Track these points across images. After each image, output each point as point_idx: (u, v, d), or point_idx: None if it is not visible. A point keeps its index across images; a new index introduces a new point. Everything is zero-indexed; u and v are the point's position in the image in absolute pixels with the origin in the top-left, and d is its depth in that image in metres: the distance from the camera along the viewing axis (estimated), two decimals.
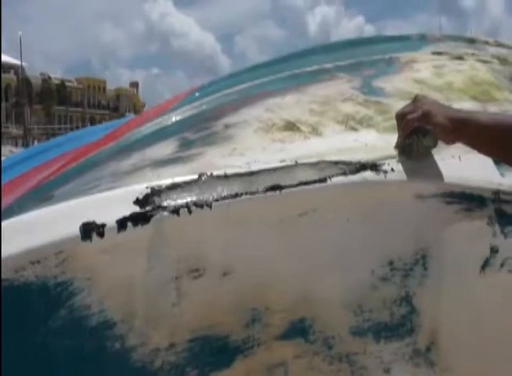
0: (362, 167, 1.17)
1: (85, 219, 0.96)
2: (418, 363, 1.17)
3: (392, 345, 1.15)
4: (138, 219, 0.98)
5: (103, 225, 0.97)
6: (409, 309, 1.17)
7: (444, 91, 1.74)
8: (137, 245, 0.98)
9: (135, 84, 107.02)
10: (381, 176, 1.18)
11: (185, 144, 1.28)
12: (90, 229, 0.96)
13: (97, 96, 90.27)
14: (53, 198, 1.14)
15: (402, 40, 2.27)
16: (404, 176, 1.21)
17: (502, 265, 1.29)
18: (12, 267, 0.92)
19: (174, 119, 1.52)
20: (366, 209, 1.16)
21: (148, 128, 1.50)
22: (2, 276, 0.92)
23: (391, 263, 1.16)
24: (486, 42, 2.29)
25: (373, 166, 1.18)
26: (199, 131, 1.35)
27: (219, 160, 1.15)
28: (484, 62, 2.04)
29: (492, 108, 1.68)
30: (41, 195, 1.23)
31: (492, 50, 2.21)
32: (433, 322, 1.19)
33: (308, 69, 1.83)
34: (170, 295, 1.01)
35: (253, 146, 1.24)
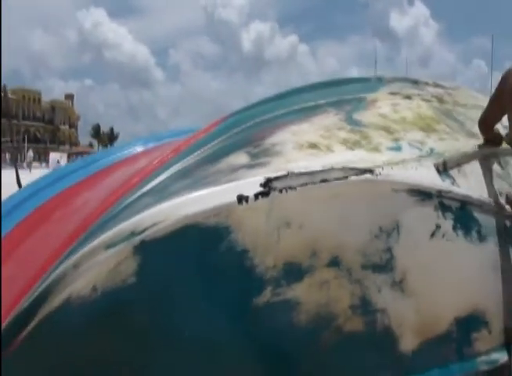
0: (364, 171, 1.92)
1: (237, 194, 1.69)
2: (395, 289, 1.92)
3: (381, 276, 1.90)
4: (264, 194, 1.72)
5: (247, 197, 1.70)
6: (390, 257, 1.92)
7: (400, 123, 2.40)
8: (263, 208, 1.71)
9: (70, 97, 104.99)
10: (374, 177, 1.93)
11: (253, 156, 1.98)
12: (241, 199, 1.69)
13: (32, 108, 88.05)
14: (194, 183, 1.83)
15: (364, 81, 2.94)
16: (387, 178, 1.96)
17: (443, 235, 2.06)
18: (202, 216, 1.64)
19: (231, 139, 2.21)
20: (365, 195, 1.91)
21: (216, 144, 2.17)
22: (200, 221, 1.64)
23: (380, 229, 1.91)
24: (426, 83, 2.95)
25: (370, 171, 1.93)
26: (255, 147, 2.05)
27: (283, 165, 1.87)
28: (427, 101, 2.70)
29: (434, 136, 2.37)
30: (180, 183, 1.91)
31: (432, 90, 2.88)
32: (403, 266, 1.94)
33: (307, 105, 2.48)
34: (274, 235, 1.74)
35: (295, 158, 1.96)
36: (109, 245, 1.61)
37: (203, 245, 1.67)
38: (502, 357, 2.14)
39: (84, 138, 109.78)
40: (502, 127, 2.59)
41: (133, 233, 1.61)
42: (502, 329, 2.16)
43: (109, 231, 1.64)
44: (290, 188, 1.76)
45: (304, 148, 2.04)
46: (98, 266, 1.59)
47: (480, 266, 2.15)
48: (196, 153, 2.12)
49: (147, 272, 1.62)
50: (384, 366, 1.90)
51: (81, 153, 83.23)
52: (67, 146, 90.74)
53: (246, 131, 2.24)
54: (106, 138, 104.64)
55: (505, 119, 2.41)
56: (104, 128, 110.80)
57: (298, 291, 1.75)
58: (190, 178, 1.88)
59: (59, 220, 2.35)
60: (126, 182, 2.07)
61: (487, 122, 2.49)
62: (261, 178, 1.75)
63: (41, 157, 65.29)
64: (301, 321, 1.75)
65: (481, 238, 2.17)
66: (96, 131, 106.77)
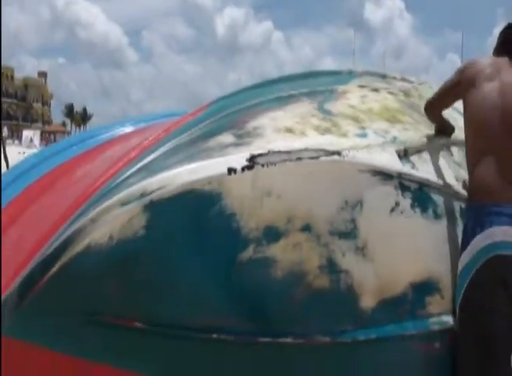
0: (333, 153, 2.21)
1: (227, 167, 1.99)
2: (357, 254, 2.22)
3: (345, 242, 2.19)
4: (249, 167, 2.02)
5: (236, 169, 1.99)
6: (353, 226, 2.22)
7: (367, 114, 2.66)
8: (248, 179, 2.01)
9: (43, 74, 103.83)
10: (341, 158, 2.23)
11: (238, 136, 2.25)
12: (230, 171, 1.99)
13: (4, 85, 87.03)
14: (190, 157, 2.11)
15: (336, 74, 3.19)
16: (352, 160, 2.25)
17: (401, 212, 2.36)
18: (198, 184, 1.94)
19: (217, 122, 2.46)
20: (333, 173, 2.20)
21: (204, 126, 2.44)
22: (197, 188, 1.94)
23: (346, 203, 2.21)
24: (394, 78, 3.22)
25: (338, 153, 2.23)
26: (239, 130, 2.31)
27: (264, 145, 2.16)
28: (393, 94, 2.97)
29: (398, 127, 2.64)
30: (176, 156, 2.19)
31: (399, 84, 3.15)
32: (365, 235, 2.23)
33: (284, 94, 2.74)
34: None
35: (274, 139, 2.24)
36: (123, 203, 1.92)
37: (198, 207, 1.97)
38: (452, 320, 2.41)
39: (57, 116, 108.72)
40: (457, 112, 2.88)
41: (143, 194, 1.92)
42: (452, 296, 2.43)
43: (121, 192, 1.94)
44: (271, 163, 2.06)
45: (281, 132, 2.32)
46: (114, 220, 1.89)
47: (435, 241, 2.44)
48: (186, 133, 2.39)
49: (154, 227, 1.92)
50: (346, 320, 2.18)
51: (54, 132, 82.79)
52: (40, 124, 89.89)
53: (230, 115, 2.51)
54: (80, 117, 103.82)
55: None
56: (77, 108, 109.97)
57: (275, 251, 2.05)
58: (184, 154, 2.16)
59: (61, 189, 2.62)
60: (125, 156, 2.34)
61: (434, 107, 2.74)
62: (246, 155, 2.05)
63: (14, 135, 64.63)
64: (277, 276, 2.04)
65: (437, 217, 2.45)
66: (70, 111, 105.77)
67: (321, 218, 2.14)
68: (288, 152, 2.11)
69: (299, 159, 2.11)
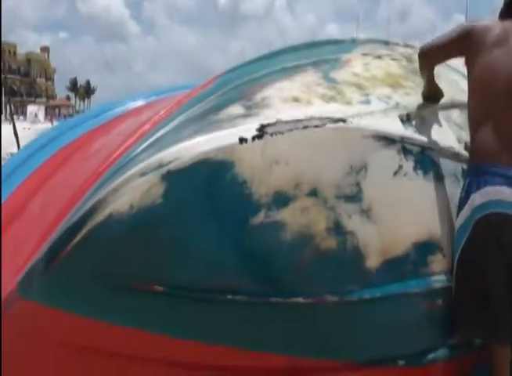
0: (338, 120, 2.31)
1: (238, 137, 2.10)
2: (363, 216, 2.32)
3: (351, 205, 2.30)
4: (258, 137, 2.12)
5: (246, 139, 2.10)
6: (358, 190, 2.32)
7: (370, 80, 2.74)
8: (258, 148, 2.11)
9: (46, 49, 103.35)
10: (346, 125, 2.33)
11: (247, 107, 2.34)
12: (241, 140, 2.09)
13: (7, 61, 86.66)
14: (202, 129, 2.22)
15: (339, 43, 3.27)
16: (357, 126, 2.35)
17: (404, 174, 2.45)
18: (212, 154, 2.07)
19: (227, 95, 2.55)
20: (339, 139, 2.30)
21: (214, 98, 2.54)
22: (211, 157, 2.06)
23: (351, 167, 2.32)
24: (397, 44, 3.29)
25: (343, 120, 2.33)
26: (248, 101, 2.41)
27: (272, 115, 2.26)
28: (396, 60, 3.05)
29: (400, 92, 2.73)
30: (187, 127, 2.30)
31: (401, 50, 3.20)
32: (369, 198, 2.33)
33: (289, 64, 2.82)
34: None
35: (281, 109, 2.35)
36: (142, 173, 2.02)
37: (212, 176, 2.07)
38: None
39: (61, 91, 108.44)
40: (460, 74, 2.98)
41: (160, 165, 2.02)
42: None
43: (139, 164, 2.05)
44: (279, 132, 2.16)
45: (288, 101, 2.41)
46: (134, 189, 2.00)
47: (436, 202, 2.52)
48: (197, 106, 2.49)
49: (171, 195, 2.03)
50: (352, 280, 2.29)
51: (59, 106, 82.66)
52: (44, 99, 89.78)
53: (238, 87, 2.60)
54: (84, 91, 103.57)
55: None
56: (80, 82, 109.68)
57: (285, 215, 2.15)
58: (196, 126, 2.26)
59: (79, 161, 2.74)
60: (139, 129, 2.45)
61: (431, 57, 2.76)
62: (256, 125, 2.15)
63: (18, 110, 64.59)
64: (287, 239, 2.15)
65: (439, 178, 2.54)
66: (73, 85, 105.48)
67: (327, 183, 2.24)
68: (295, 121, 2.21)
69: (305, 127, 2.21)
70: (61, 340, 2.05)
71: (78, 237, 1.97)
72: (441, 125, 2.73)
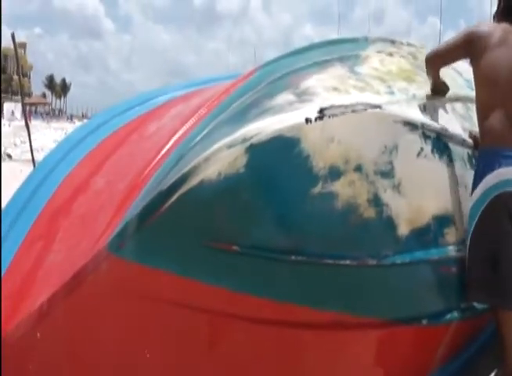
0: (376, 106, 2.56)
1: (305, 117, 2.34)
2: (394, 190, 2.57)
3: (386, 181, 2.54)
4: (319, 118, 2.36)
5: (311, 119, 2.33)
6: (391, 167, 2.57)
7: (388, 75, 3.00)
8: (319, 127, 2.36)
9: (22, 45, 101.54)
10: (382, 111, 2.58)
11: (297, 95, 2.58)
12: (307, 120, 2.34)
13: None
14: (268, 111, 2.45)
15: (354, 41, 3.47)
16: (389, 112, 2.61)
17: (425, 156, 2.72)
18: (285, 131, 2.30)
19: (274, 84, 2.75)
20: (377, 123, 2.55)
21: (262, 88, 2.74)
22: (283, 133, 2.29)
23: (385, 147, 2.57)
24: (401, 43, 3.56)
25: (378, 106, 2.58)
26: (296, 89, 2.64)
27: (322, 102, 2.50)
28: (404, 57, 3.32)
29: (414, 85, 3.00)
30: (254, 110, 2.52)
31: (406, 49, 3.48)
32: (399, 174, 2.57)
33: (318, 60, 3.03)
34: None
35: (327, 97, 2.58)
36: (229, 146, 2.24)
37: (285, 150, 2.31)
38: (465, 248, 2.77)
39: (36, 88, 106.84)
40: (456, 72, 3.30)
41: (245, 139, 2.25)
42: (464, 229, 2.80)
43: (224, 138, 2.26)
44: (334, 115, 2.41)
45: (330, 90, 2.65)
46: (222, 160, 2.21)
47: (449, 181, 2.81)
48: (249, 94, 2.69)
49: (252, 165, 2.24)
50: (387, 246, 2.53)
51: (35, 104, 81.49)
52: (20, 97, 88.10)
53: (281, 78, 2.81)
54: (60, 88, 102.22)
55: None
56: (55, 79, 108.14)
57: (337, 186, 2.39)
58: (258, 109, 2.48)
59: (136, 142, 2.95)
60: (195, 113, 2.67)
61: (439, 59, 3.04)
62: (317, 107, 2.41)
63: None
64: (338, 207, 2.39)
65: (450, 161, 2.82)
66: (50, 82, 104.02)
67: (368, 160, 2.50)
68: (344, 106, 2.46)
69: (354, 111, 2.46)
70: (147, 294, 2.22)
71: (172, 200, 2.16)
72: (449, 115, 3.02)
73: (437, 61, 3.04)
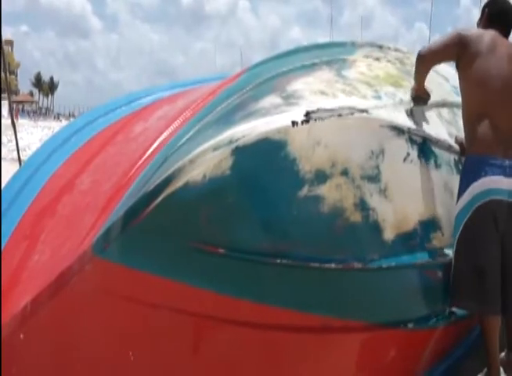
0: (362, 110, 2.56)
1: (291, 120, 2.31)
2: (381, 195, 2.56)
3: (372, 185, 2.52)
4: (305, 121, 2.34)
5: (297, 122, 2.31)
6: (378, 172, 2.56)
7: (375, 79, 3.00)
8: (305, 130, 2.33)
9: (9, 43, 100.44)
10: (368, 115, 2.57)
11: (284, 98, 2.56)
12: (293, 123, 2.32)
13: None
14: (253, 114, 2.42)
15: (341, 46, 3.48)
16: (376, 117, 2.60)
17: (411, 161, 2.72)
18: (271, 133, 2.28)
19: (260, 87, 2.72)
20: (363, 127, 2.54)
21: (248, 90, 2.72)
22: (269, 136, 2.27)
23: (372, 152, 2.56)
24: (389, 48, 3.54)
25: (365, 110, 2.57)
26: (282, 92, 2.62)
27: (308, 105, 2.48)
28: (391, 62, 3.32)
29: (401, 90, 2.99)
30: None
31: (393, 54, 3.47)
32: (386, 179, 2.57)
33: (306, 63, 3.02)
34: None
35: (314, 100, 2.56)
36: (215, 148, 2.22)
37: (271, 152, 2.29)
38: (451, 253, 2.79)
39: (23, 86, 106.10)
40: (443, 78, 3.30)
41: (231, 141, 2.23)
42: (450, 234, 2.80)
43: (210, 140, 2.24)
44: (320, 118, 2.40)
45: (317, 94, 2.65)
46: (207, 162, 2.19)
47: (435, 186, 2.81)
48: (234, 96, 2.66)
49: (237, 167, 2.23)
50: (373, 250, 2.52)
51: (23, 102, 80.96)
52: (6, 95, 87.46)
53: (268, 81, 2.80)
54: (47, 87, 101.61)
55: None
56: (43, 77, 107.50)
57: (323, 190, 2.38)
58: (244, 111, 2.46)
59: (122, 142, 2.92)
60: (180, 115, 2.65)
61: (428, 60, 3.00)
62: (303, 111, 2.39)
63: None
64: (324, 210, 2.38)
65: (437, 166, 2.83)
66: (38, 80, 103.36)
67: (355, 165, 2.49)
68: (331, 109, 2.45)
69: (340, 115, 2.45)
70: (131, 296, 2.20)
71: (157, 201, 2.13)
72: (435, 121, 3.03)
73: (431, 58, 3.00)
